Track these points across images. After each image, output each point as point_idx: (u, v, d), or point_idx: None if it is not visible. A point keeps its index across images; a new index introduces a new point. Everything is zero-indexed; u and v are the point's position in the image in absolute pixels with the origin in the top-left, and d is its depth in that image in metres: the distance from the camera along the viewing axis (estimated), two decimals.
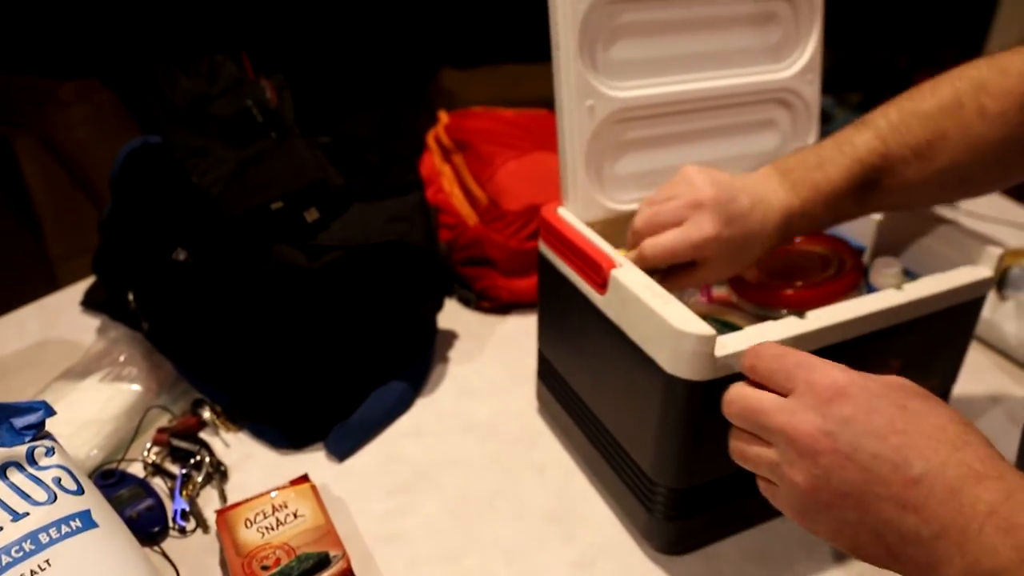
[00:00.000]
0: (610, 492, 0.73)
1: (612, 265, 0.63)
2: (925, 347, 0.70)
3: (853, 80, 2.92)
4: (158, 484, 0.75)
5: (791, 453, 0.43)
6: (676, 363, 0.57)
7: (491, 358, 0.94)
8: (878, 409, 0.41)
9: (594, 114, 0.69)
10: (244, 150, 0.80)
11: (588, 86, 0.69)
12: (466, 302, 1.03)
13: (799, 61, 0.78)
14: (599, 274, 0.63)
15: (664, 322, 0.56)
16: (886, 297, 0.64)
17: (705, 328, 0.55)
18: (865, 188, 0.65)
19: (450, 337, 0.97)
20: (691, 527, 0.67)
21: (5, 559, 0.52)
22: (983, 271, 0.69)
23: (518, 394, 0.87)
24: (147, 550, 0.65)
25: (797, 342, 0.59)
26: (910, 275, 0.74)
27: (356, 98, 2.72)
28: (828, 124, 2.74)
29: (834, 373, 0.44)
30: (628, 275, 0.61)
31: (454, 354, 0.94)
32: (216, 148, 0.80)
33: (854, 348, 0.63)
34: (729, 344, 0.57)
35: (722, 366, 0.57)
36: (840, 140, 0.66)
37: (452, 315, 1.00)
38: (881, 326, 0.64)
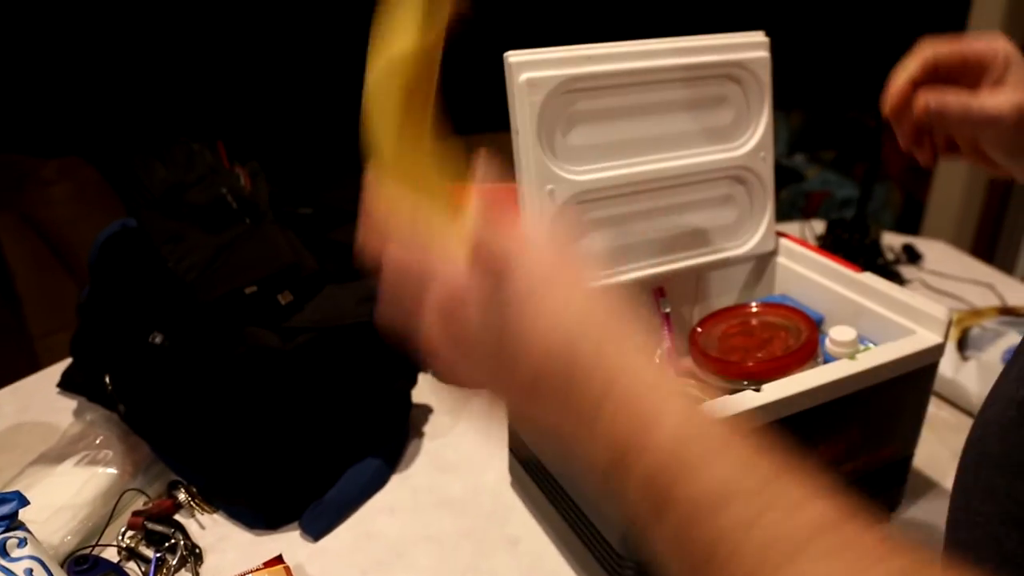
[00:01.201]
0: (582, 566, 0.74)
1: None
2: (883, 413, 0.72)
3: (825, 139, 3.01)
4: (132, 569, 0.75)
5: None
6: None
7: (465, 432, 0.95)
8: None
9: (555, 197, 0.72)
10: (219, 236, 0.83)
11: (548, 171, 0.72)
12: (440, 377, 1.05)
13: (751, 140, 0.82)
14: None
15: None
16: (839, 367, 0.66)
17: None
18: None
19: (425, 411, 0.98)
20: None
21: None
22: (934, 338, 0.71)
23: (492, 468, 0.88)
24: None
25: (756, 414, 0.61)
26: (864, 343, 0.76)
27: (335, 167, 2.77)
28: (801, 183, 2.79)
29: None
30: None
31: (429, 428, 0.95)
32: (192, 234, 0.82)
33: (812, 417, 0.65)
34: None
35: None
36: None
37: (427, 389, 1.02)
38: (836, 395, 0.66)
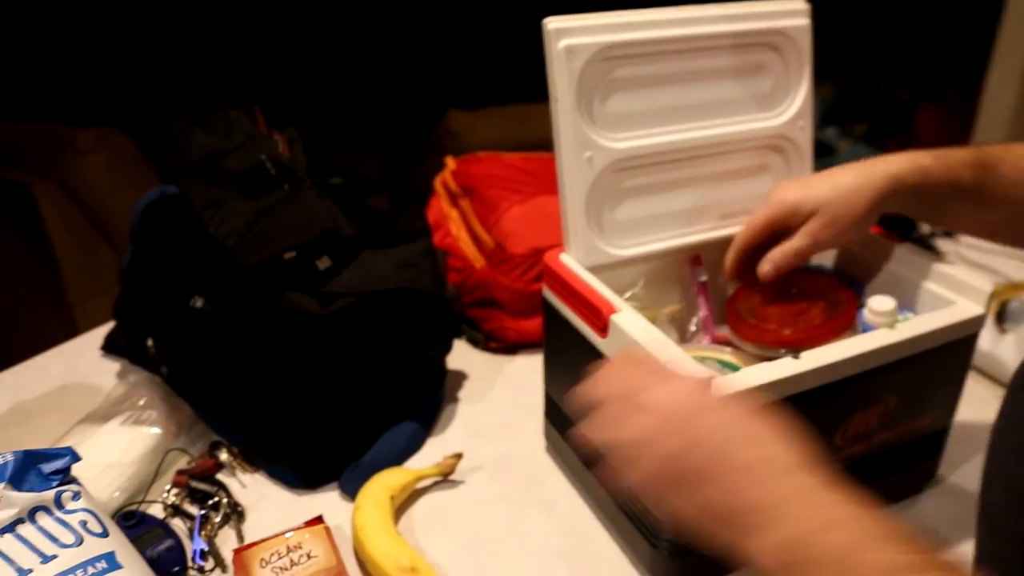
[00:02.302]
0: (617, 529, 0.75)
1: (612, 310, 0.65)
2: (920, 384, 0.72)
3: (857, 112, 2.97)
4: (177, 525, 0.77)
5: (668, 424, 0.49)
6: None
7: (500, 398, 0.96)
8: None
9: (593, 165, 0.72)
10: (258, 202, 0.83)
11: (586, 138, 0.72)
12: (475, 343, 1.06)
13: (790, 109, 0.82)
14: (600, 318, 0.66)
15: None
16: (879, 336, 0.66)
17: (700, 370, 0.58)
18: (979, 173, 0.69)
19: (460, 378, 0.99)
20: (695, 563, 0.68)
21: None
22: (975, 308, 0.71)
23: (527, 433, 0.89)
24: None
25: (793, 382, 0.62)
26: (903, 313, 0.76)
27: (367, 137, 2.78)
28: (832, 156, 2.75)
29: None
30: (627, 320, 0.64)
31: (464, 394, 0.97)
32: (231, 200, 0.84)
33: (849, 387, 0.65)
34: (725, 386, 0.59)
35: None
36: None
37: (461, 356, 1.03)
38: (874, 365, 0.66)
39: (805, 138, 0.83)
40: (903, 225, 1.27)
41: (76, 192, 1.89)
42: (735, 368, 0.72)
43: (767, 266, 0.74)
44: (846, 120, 2.95)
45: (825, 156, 2.83)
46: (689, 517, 0.48)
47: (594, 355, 0.68)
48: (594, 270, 0.73)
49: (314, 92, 2.71)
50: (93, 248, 1.90)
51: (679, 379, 0.53)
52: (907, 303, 0.77)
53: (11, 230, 1.90)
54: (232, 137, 0.90)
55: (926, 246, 1.24)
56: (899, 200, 0.70)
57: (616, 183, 0.76)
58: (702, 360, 0.73)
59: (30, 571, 0.56)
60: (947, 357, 0.72)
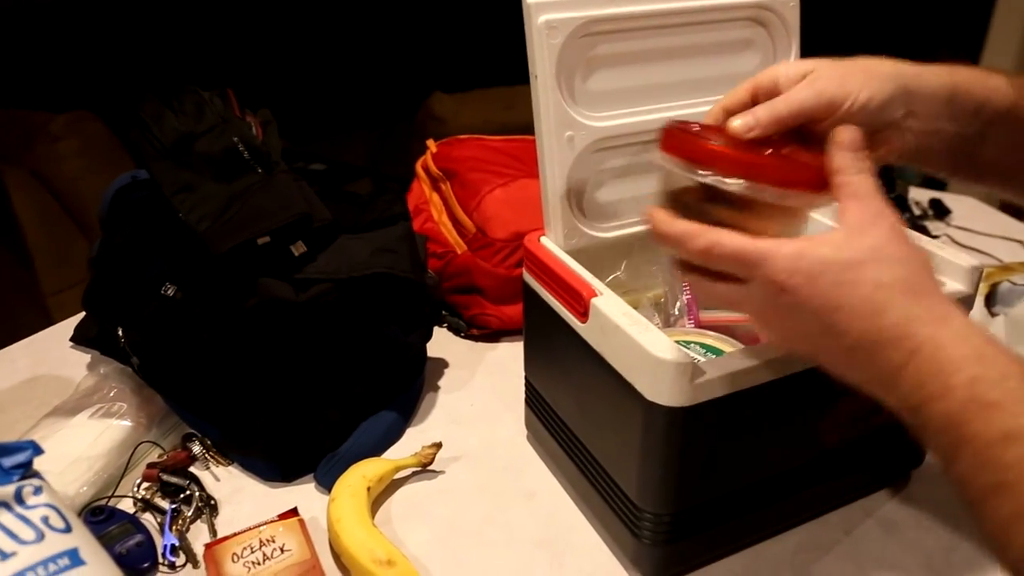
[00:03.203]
0: (598, 518, 0.73)
1: (592, 294, 0.63)
2: None
3: None
4: (148, 519, 0.75)
5: (774, 268, 0.49)
6: (656, 390, 0.57)
7: (481, 385, 0.94)
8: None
9: (573, 144, 0.70)
10: (230, 186, 0.81)
11: (567, 117, 0.70)
12: (456, 330, 1.04)
13: None
14: (580, 302, 0.64)
15: (643, 350, 0.57)
16: None
17: (683, 356, 0.56)
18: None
19: (440, 365, 0.97)
20: (679, 552, 0.67)
21: None
22: (963, 289, 0.69)
23: (507, 421, 0.87)
24: None
25: (778, 366, 0.60)
26: None
27: (350, 122, 2.75)
28: None
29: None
30: (608, 304, 0.62)
31: (444, 382, 0.95)
32: (203, 184, 0.81)
33: None
34: (708, 370, 0.58)
35: (701, 392, 0.57)
36: None
37: (442, 343, 1.01)
38: None
39: None
40: (894, 205, 1.26)
41: (48, 179, 1.85)
42: (719, 352, 0.71)
43: (738, 120, 0.57)
44: None
45: None
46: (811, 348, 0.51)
47: (575, 341, 0.66)
48: (575, 253, 0.71)
49: (295, 76, 2.67)
50: (66, 237, 1.87)
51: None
52: None
53: None
54: (204, 119, 0.87)
55: (915, 229, 1.23)
56: (928, 106, 0.60)
57: (598, 163, 0.74)
58: (685, 344, 0.71)
59: None
60: None
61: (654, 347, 0.57)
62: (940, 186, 1.42)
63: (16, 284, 1.86)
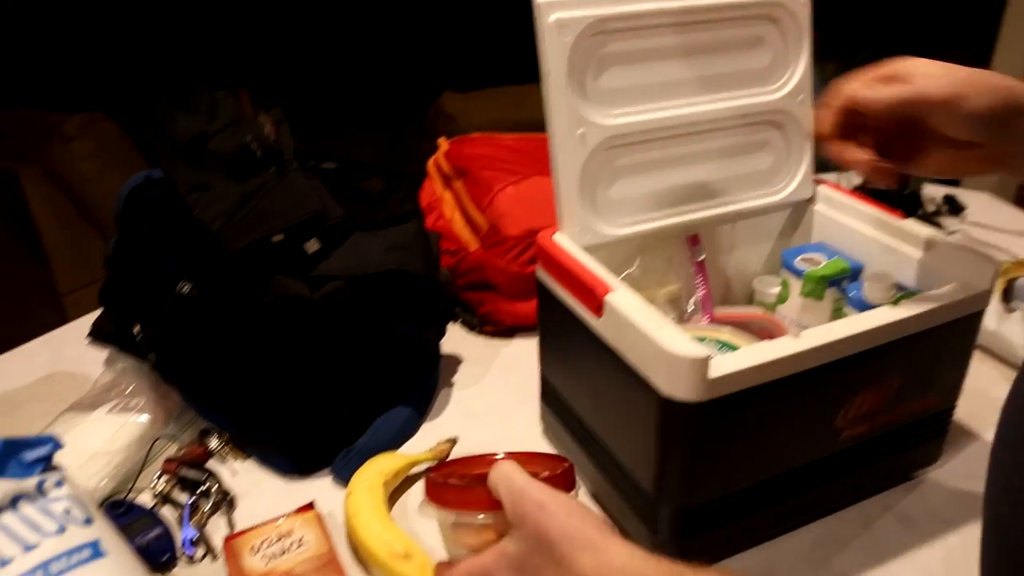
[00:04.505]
0: (615, 513, 0.73)
1: (607, 290, 0.64)
2: (925, 363, 0.70)
3: None
4: (167, 513, 0.76)
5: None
6: (671, 385, 0.57)
7: (495, 381, 0.95)
8: None
9: (586, 142, 0.71)
10: (244, 184, 0.82)
11: (579, 115, 0.70)
12: (470, 327, 1.05)
13: (790, 83, 0.80)
14: (594, 298, 0.64)
15: (658, 345, 0.57)
16: (881, 314, 0.65)
17: (698, 350, 0.56)
18: None
19: (454, 362, 0.98)
20: (695, 547, 0.67)
21: None
22: (981, 285, 0.69)
23: (522, 417, 0.87)
24: None
25: (793, 362, 0.60)
26: (902, 290, 0.74)
27: (361, 121, 2.75)
28: None
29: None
30: (623, 299, 0.62)
31: (458, 378, 0.95)
32: (217, 183, 0.82)
33: (851, 366, 0.63)
34: (724, 365, 0.58)
35: (718, 387, 0.57)
36: None
37: (457, 340, 1.01)
38: (877, 343, 0.64)
39: (805, 113, 0.81)
40: (908, 202, 1.25)
41: (63, 179, 1.86)
42: (734, 348, 0.71)
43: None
44: None
45: None
46: None
47: (589, 337, 0.67)
48: (589, 250, 0.71)
49: (306, 75, 2.68)
50: (82, 236, 1.88)
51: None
52: (911, 280, 0.76)
53: None
54: (217, 118, 0.87)
55: (931, 223, 1.22)
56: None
57: (610, 160, 0.74)
58: (701, 340, 0.71)
59: (11, 560, 0.55)
60: (952, 335, 0.70)
61: (670, 342, 0.57)
62: (954, 182, 1.41)
63: (33, 283, 1.87)
